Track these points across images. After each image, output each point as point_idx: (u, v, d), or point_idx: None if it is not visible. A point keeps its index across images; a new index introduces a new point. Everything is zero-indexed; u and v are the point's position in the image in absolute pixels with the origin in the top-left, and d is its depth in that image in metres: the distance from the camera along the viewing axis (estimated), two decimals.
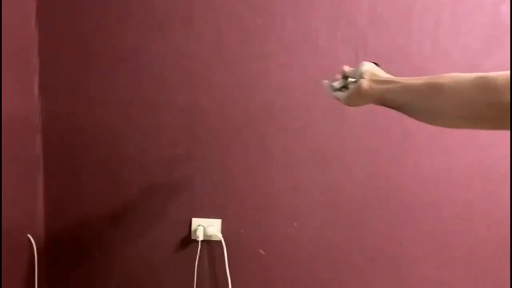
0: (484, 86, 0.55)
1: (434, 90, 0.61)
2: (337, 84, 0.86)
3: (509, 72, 0.54)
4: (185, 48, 1.30)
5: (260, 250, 1.37)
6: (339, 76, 0.87)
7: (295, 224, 1.36)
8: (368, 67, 0.78)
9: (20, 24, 1.25)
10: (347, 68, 0.86)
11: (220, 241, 1.35)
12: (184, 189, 1.36)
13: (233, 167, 1.34)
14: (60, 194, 1.37)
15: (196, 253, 1.35)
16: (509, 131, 0.84)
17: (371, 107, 0.81)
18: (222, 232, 1.36)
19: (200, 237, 1.34)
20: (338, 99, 0.84)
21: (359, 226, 1.35)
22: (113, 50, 1.31)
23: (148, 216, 1.37)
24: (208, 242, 1.37)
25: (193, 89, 1.31)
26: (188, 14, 1.29)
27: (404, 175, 1.32)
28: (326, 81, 0.90)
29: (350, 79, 0.84)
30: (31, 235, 1.31)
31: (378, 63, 0.80)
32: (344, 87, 0.85)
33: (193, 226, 1.36)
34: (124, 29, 1.30)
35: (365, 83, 0.75)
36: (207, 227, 1.35)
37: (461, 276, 1.36)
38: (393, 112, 0.70)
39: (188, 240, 1.38)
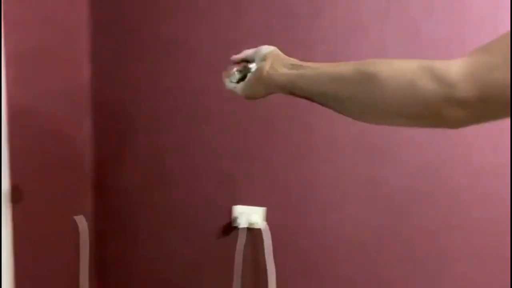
0: (435, 79, 0.46)
1: (368, 80, 0.51)
2: (236, 74, 0.75)
3: (460, 61, 0.46)
4: (232, 36, 1.30)
5: (303, 240, 1.36)
6: (235, 68, 0.76)
7: (339, 215, 1.34)
8: (270, 49, 0.69)
9: (72, 10, 1.28)
10: (245, 52, 0.75)
11: (263, 230, 1.34)
12: (227, 176, 1.36)
13: (277, 156, 1.33)
14: (107, 179, 1.40)
15: (237, 240, 1.36)
16: None
17: None
18: (266, 220, 1.36)
19: (242, 224, 1.34)
20: (236, 91, 0.75)
21: (405, 218, 1.32)
22: (162, 37, 1.32)
23: (191, 202, 1.39)
24: (251, 230, 1.37)
25: None
26: (236, 1, 1.29)
27: (452, 168, 1.28)
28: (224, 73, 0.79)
29: (250, 66, 0.73)
30: (77, 219, 1.34)
31: None
32: (244, 78, 0.74)
33: (235, 214, 1.37)
34: (173, 16, 1.31)
35: (267, 65, 0.66)
36: (250, 215, 1.35)
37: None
38: None
39: (229, 227, 1.38)
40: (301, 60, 0.66)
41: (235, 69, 0.75)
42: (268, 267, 1.34)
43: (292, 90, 0.63)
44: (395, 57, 0.54)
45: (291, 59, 0.66)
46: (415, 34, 1.24)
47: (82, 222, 1.34)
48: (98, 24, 1.35)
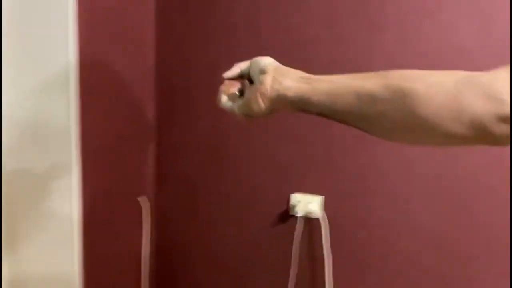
0: (483, 94, 0.42)
1: (404, 98, 0.46)
2: (237, 94, 0.68)
3: (504, 74, 0.42)
4: (294, 20, 1.28)
5: (363, 232, 1.33)
6: (232, 85, 0.69)
7: (401, 209, 1.29)
8: (268, 61, 0.63)
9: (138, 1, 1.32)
10: (239, 66, 0.69)
11: (321, 219, 1.32)
12: (285, 163, 1.36)
13: (338, 143, 1.31)
14: (168, 162, 1.44)
15: (295, 229, 1.35)
16: None
17: None
18: (323, 209, 1.34)
19: (299, 213, 1.32)
20: (232, 110, 0.68)
21: (473, 217, 1.25)
22: (225, 24, 1.33)
23: (249, 188, 1.39)
24: (308, 219, 1.36)
25: (301, 62, 1.29)
26: None
27: None
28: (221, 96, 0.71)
29: (247, 83, 0.67)
30: (141, 199, 1.40)
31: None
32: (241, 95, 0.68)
33: (292, 201, 1.36)
34: (235, 1, 1.31)
35: (269, 79, 0.59)
36: (307, 204, 1.34)
37: None
38: None
39: (286, 215, 1.37)
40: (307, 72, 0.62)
41: (236, 88, 0.69)
42: (325, 258, 1.32)
43: (305, 106, 0.57)
44: (422, 69, 0.51)
45: (296, 71, 0.61)
46: (490, 20, 1.15)
47: (145, 203, 1.39)
48: (162, 12, 1.38)
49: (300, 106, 0.58)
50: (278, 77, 0.60)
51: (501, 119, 0.41)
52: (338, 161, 1.31)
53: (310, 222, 1.36)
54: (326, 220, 1.32)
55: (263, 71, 0.62)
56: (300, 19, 1.28)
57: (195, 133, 1.40)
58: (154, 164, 1.45)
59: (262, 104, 0.61)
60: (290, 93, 0.58)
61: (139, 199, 1.39)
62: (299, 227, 1.35)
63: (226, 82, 0.69)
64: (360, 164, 1.30)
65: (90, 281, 1.16)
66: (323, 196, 1.33)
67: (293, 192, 1.36)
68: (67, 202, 1.07)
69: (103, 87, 1.18)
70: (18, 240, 1.08)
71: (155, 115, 1.42)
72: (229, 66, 1.34)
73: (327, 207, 1.34)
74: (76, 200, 1.08)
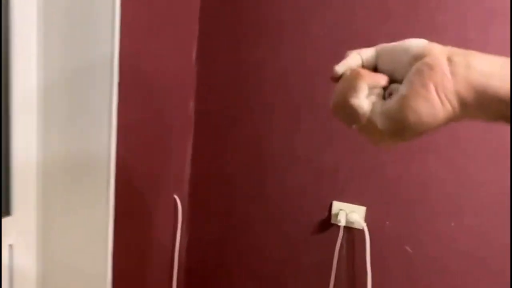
0: None
1: None
2: (362, 98, 0.43)
3: None
4: (343, 17, 1.20)
5: (406, 247, 1.23)
6: (374, 77, 0.44)
7: (452, 224, 1.18)
8: (422, 42, 0.42)
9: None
10: (361, 54, 0.46)
11: (362, 230, 1.24)
12: (329, 169, 1.28)
13: (384, 151, 1.21)
14: (206, 160, 1.40)
15: (336, 238, 1.27)
16: None
17: None
18: (366, 220, 1.25)
19: (342, 222, 1.24)
20: (368, 124, 0.43)
21: None
22: (272, 20, 1.27)
23: (289, 193, 1.33)
24: (349, 229, 1.27)
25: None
26: None
27: None
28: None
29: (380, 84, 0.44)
30: (177, 196, 1.37)
31: None
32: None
33: (334, 210, 1.28)
34: None
35: (441, 62, 0.38)
36: (349, 213, 1.25)
37: None
38: None
39: (327, 224, 1.30)
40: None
41: (384, 80, 0.44)
42: (368, 271, 1.24)
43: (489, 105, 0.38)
44: None
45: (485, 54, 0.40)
46: None
47: (181, 200, 1.36)
48: (206, 7, 1.34)
49: (506, 105, 0.37)
50: (461, 58, 0.38)
51: None
52: (384, 170, 1.22)
53: (352, 232, 1.27)
54: (367, 232, 1.23)
55: (420, 56, 0.39)
56: (350, 16, 1.20)
57: (234, 132, 1.35)
58: (192, 161, 1.42)
59: (443, 103, 0.38)
60: (497, 82, 0.37)
61: (175, 195, 1.36)
62: (340, 237, 1.27)
63: (359, 71, 0.43)
64: (411, 174, 1.20)
65: (121, 275, 1.14)
66: (365, 207, 1.25)
67: (335, 200, 1.28)
68: (102, 194, 1.05)
69: (143, 79, 1.16)
70: (50, 231, 1.08)
71: (195, 112, 1.39)
72: (274, 64, 1.29)
73: (369, 218, 1.25)
74: (111, 193, 1.05)
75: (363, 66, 0.46)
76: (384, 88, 0.44)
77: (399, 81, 0.42)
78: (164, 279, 1.39)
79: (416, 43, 0.42)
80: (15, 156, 0.98)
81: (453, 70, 0.38)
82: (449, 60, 0.38)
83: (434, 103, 0.38)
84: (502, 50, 1.08)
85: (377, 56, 0.46)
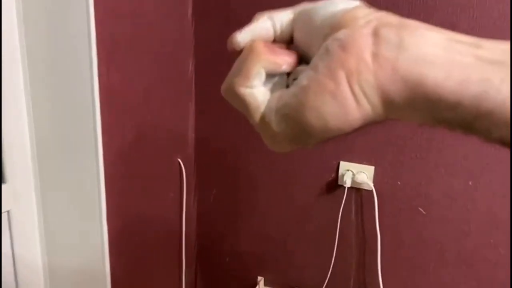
0: None
1: None
2: (257, 86, 0.31)
3: None
4: None
5: (419, 208, 1.14)
6: (275, 52, 0.31)
7: (469, 183, 1.08)
8: (351, 3, 0.29)
9: None
10: (274, 18, 0.32)
11: (371, 191, 1.16)
12: None
13: None
14: (210, 121, 1.35)
15: (342, 200, 1.20)
16: None
17: None
18: (374, 181, 1.17)
19: (348, 183, 1.17)
20: (262, 118, 0.31)
21: None
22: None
23: (295, 154, 1.26)
24: (357, 190, 1.20)
25: None
26: None
27: None
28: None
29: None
30: (181, 159, 1.34)
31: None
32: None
33: (341, 171, 1.20)
34: None
35: (363, 36, 0.26)
36: (357, 174, 1.18)
37: None
38: None
39: (334, 184, 1.23)
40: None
41: (291, 59, 0.31)
42: (378, 232, 1.17)
43: (470, 113, 0.25)
44: None
45: (431, 26, 0.27)
46: None
47: (185, 164, 1.34)
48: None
49: (474, 103, 0.25)
50: (392, 32, 0.26)
51: None
52: (394, 127, 1.12)
53: (360, 193, 1.20)
54: (376, 193, 1.16)
55: (337, 27, 0.28)
56: None
57: None
58: (194, 124, 1.37)
59: (358, 101, 0.27)
60: (438, 73, 0.25)
61: (178, 159, 1.33)
62: (346, 199, 1.20)
63: (255, 48, 0.31)
64: (423, 130, 1.10)
65: (119, 236, 1.13)
66: (374, 167, 1.16)
67: (342, 160, 1.20)
68: (91, 158, 1.03)
69: (136, 39, 1.11)
70: (47, 196, 1.09)
71: (195, 72, 1.33)
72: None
73: (378, 178, 1.17)
74: (100, 157, 1.02)
75: (276, 37, 0.33)
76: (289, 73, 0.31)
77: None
78: (172, 248, 1.39)
79: (342, 5, 0.29)
80: (6, 125, 0.98)
81: (377, 51, 0.26)
82: (375, 34, 0.26)
83: (344, 101, 0.27)
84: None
85: (294, 22, 0.32)
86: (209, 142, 1.37)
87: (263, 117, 0.31)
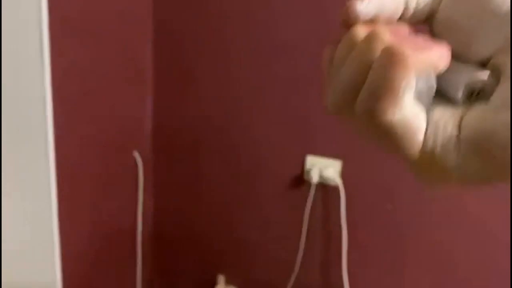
0: None
1: None
2: (409, 106, 0.21)
3: None
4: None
5: (388, 205, 1.11)
6: (405, 73, 0.20)
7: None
8: None
9: None
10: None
11: (338, 187, 1.12)
12: (300, 120, 1.14)
13: None
14: (167, 114, 1.27)
15: (308, 196, 1.15)
16: None
17: None
18: (342, 176, 1.12)
19: (314, 179, 1.12)
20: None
21: None
22: None
23: (260, 147, 1.20)
24: (324, 186, 1.15)
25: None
26: None
27: None
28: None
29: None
30: (138, 152, 1.25)
31: None
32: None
33: (307, 166, 1.15)
34: None
35: None
36: (324, 169, 1.13)
37: None
38: None
39: (300, 180, 1.18)
40: None
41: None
42: (342, 230, 1.13)
43: None
44: None
45: None
46: None
47: (141, 159, 1.25)
48: None
49: None
50: None
51: None
52: None
53: (327, 189, 1.15)
54: (343, 189, 1.11)
55: None
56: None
57: (197, 81, 1.21)
58: (152, 116, 1.28)
59: None
60: None
61: (134, 154, 1.24)
62: (313, 195, 1.15)
63: (388, 41, 0.20)
64: None
65: (72, 235, 1.04)
66: (341, 161, 1.12)
67: (309, 154, 1.15)
68: (41, 154, 0.93)
69: (94, 23, 1.02)
70: None
71: (153, 61, 1.24)
72: (241, 9, 1.13)
73: (346, 173, 1.12)
74: (50, 152, 0.94)
75: (407, 17, 0.23)
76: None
77: (478, 59, 0.22)
78: (127, 245, 1.30)
79: None
80: None
81: None
82: None
83: None
84: None
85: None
86: (168, 135, 1.29)
87: (424, 147, 0.21)
